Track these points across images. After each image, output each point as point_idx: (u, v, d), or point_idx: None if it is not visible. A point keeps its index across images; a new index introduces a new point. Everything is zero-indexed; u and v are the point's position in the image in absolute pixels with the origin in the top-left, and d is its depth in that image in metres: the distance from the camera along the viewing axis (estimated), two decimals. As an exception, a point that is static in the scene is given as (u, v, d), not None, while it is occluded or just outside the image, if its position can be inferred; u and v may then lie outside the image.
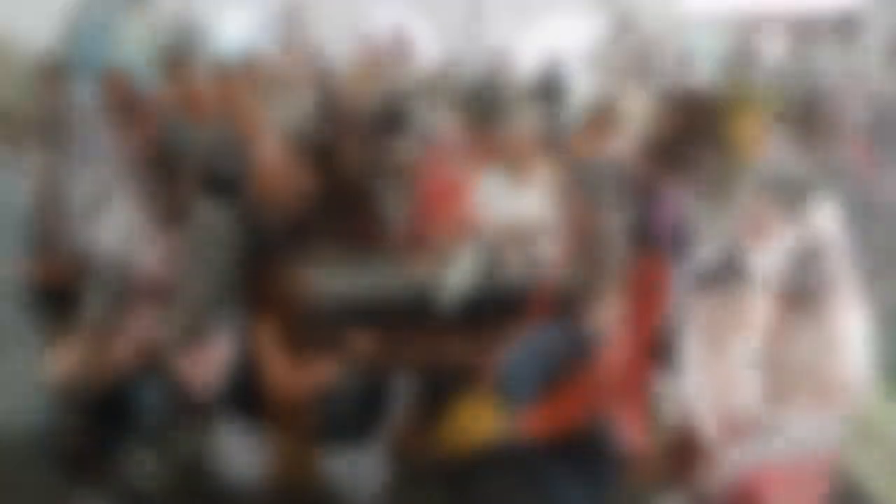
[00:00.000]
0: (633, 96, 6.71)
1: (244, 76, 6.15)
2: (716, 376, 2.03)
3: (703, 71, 8.49)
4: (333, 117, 6.22)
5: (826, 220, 1.87)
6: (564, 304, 2.09)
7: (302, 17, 9.06)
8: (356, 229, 2.25)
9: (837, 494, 2.00)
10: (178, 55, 5.51)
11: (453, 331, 3.46)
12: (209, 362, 2.33)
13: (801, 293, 1.88)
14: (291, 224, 2.31)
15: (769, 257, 1.90)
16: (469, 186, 3.66)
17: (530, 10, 9.49)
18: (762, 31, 9.43)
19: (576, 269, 2.12)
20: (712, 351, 2.02)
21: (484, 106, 5.90)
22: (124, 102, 5.12)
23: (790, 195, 1.88)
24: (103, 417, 2.21)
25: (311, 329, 2.27)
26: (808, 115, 6.13)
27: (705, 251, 3.58)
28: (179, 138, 3.94)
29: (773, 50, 8.68)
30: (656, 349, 2.23)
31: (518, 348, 2.07)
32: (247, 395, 2.17)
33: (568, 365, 2.03)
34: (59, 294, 4.03)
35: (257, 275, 2.34)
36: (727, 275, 2.03)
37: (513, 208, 3.47)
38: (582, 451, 2.02)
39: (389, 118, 6.46)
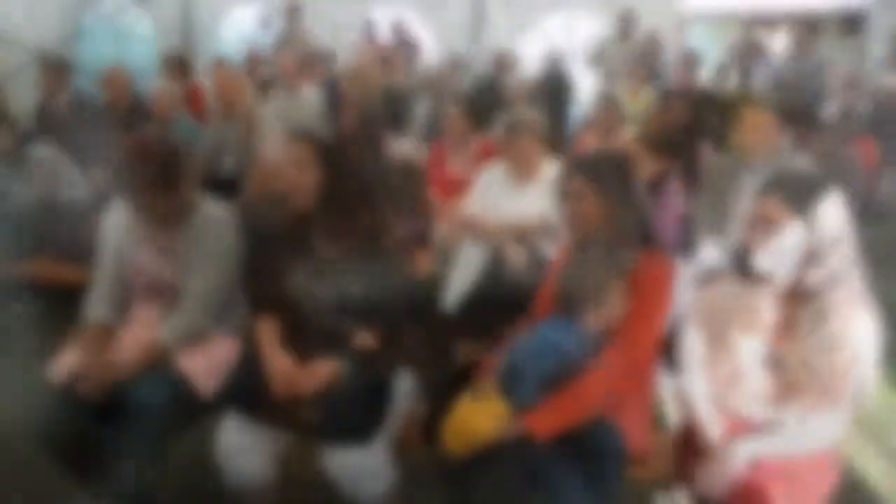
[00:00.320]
0: (637, 94, 6.72)
1: (247, 74, 6.15)
2: (720, 375, 2.02)
3: (706, 69, 8.50)
4: (336, 115, 6.22)
5: (832, 218, 1.86)
6: (568, 303, 2.07)
7: (304, 16, 9.08)
8: (358, 228, 2.24)
9: (841, 492, 1.98)
10: (182, 54, 5.51)
11: (456, 330, 3.46)
12: (212, 361, 2.33)
13: (807, 292, 1.87)
14: (293, 222, 2.30)
15: (774, 255, 1.88)
16: (472, 184, 3.65)
17: (534, 10, 9.48)
18: (765, 30, 9.43)
19: (580, 267, 2.11)
20: (716, 349, 2.01)
21: (487, 104, 5.89)
22: (125, 100, 5.15)
23: (796, 193, 1.87)
24: (104, 417, 2.20)
25: (313, 328, 2.27)
26: (811, 114, 6.13)
27: (710, 249, 3.58)
28: (182, 137, 3.93)
29: (776, 48, 8.67)
30: (659, 348, 2.21)
31: (521, 347, 2.06)
32: (250, 395, 2.16)
33: (571, 364, 2.02)
34: (60, 294, 4.03)
35: (259, 273, 2.34)
36: (732, 273, 2.02)
37: (516, 207, 3.47)
38: (584, 451, 2.01)
39: (393, 116, 6.46)
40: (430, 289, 3.80)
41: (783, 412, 1.95)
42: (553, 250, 2.75)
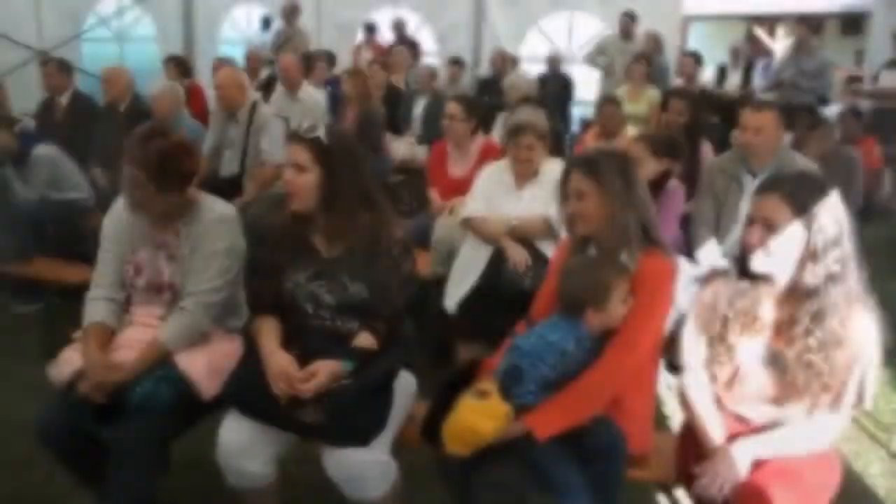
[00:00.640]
0: (638, 94, 6.71)
1: (247, 74, 6.15)
2: (720, 376, 2.02)
3: (707, 69, 8.49)
4: (337, 115, 6.22)
5: (831, 218, 1.85)
6: (569, 303, 2.07)
7: (304, 16, 9.08)
8: (358, 228, 2.23)
9: (842, 492, 1.98)
10: (182, 54, 5.50)
11: (456, 330, 3.46)
12: (213, 361, 2.32)
13: (806, 291, 1.87)
14: (293, 222, 2.30)
15: (774, 255, 1.88)
16: (473, 185, 3.65)
17: (534, 10, 9.48)
18: (766, 30, 9.41)
19: (581, 267, 2.10)
20: (717, 350, 2.01)
21: (488, 105, 5.89)
22: (125, 100, 5.15)
23: (795, 193, 1.86)
24: (105, 417, 2.20)
25: (313, 328, 2.26)
26: (812, 114, 6.11)
27: (710, 249, 3.58)
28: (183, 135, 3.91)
29: (778, 48, 8.66)
30: (660, 348, 2.21)
31: (521, 347, 2.06)
32: (251, 395, 2.16)
33: (571, 364, 2.02)
34: (61, 294, 4.04)
35: (259, 273, 2.33)
36: (732, 273, 2.02)
37: (517, 207, 3.46)
38: (586, 451, 2.01)
39: (393, 116, 6.46)
40: (430, 289, 3.80)
41: (784, 412, 1.95)
42: (553, 250, 2.74)
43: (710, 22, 10.86)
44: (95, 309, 2.39)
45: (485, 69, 9.40)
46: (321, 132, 2.18)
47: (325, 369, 2.07)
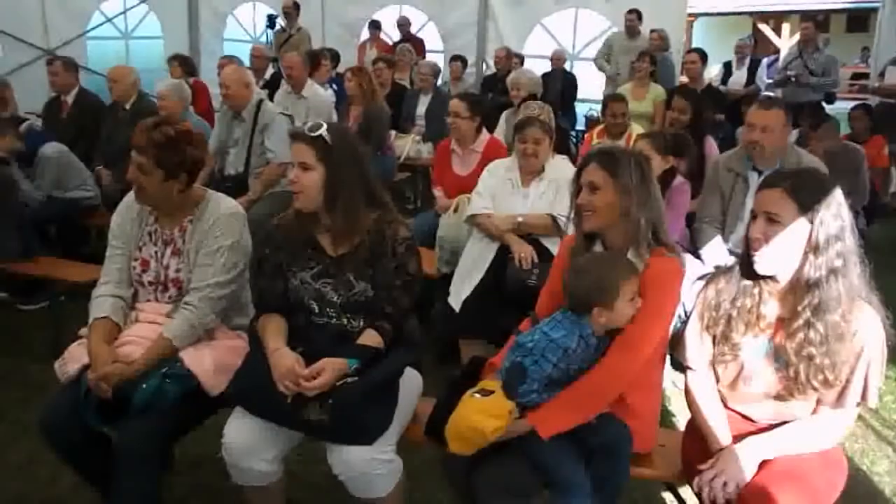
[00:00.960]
0: (643, 92, 6.70)
1: (252, 72, 6.14)
2: (725, 374, 2.02)
3: (713, 67, 8.47)
4: (341, 113, 6.22)
5: (834, 214, 1.85)
6: (575, 301, 2.07)
7: (309, 14, 9.07)
8: (362, 226, 2.23)
9: (849, 490, 1.98)
10: (187, 52, 5.50)
11: (460, 328, 3.46)
12: (218, 359, 2.33)
13: (808, 286, 1.86)
14: (298, 221, 2.30)
15: (778, 252, 1.87)
16: (477, 182, 3.65)
17: (540, 9, 9.46)
18: (772, 27, 9.38)
19: (589, 265, 2.10)
20: (722, 348, 2.00)
21: (492, 103, 5.88)
22: (131, 98, 5.16)
23: (799, 189, 1.86)
24: (111, 414, 2.20)
25: (318, 327, 2.27)
26: (817, 111, 6.10)
27: (715, 247, 3.57)
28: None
29: (783, 45, 8.63)
30: (665, 346, 2.21)
31: (525, 345, 2.05)
32: (256, 393, 2.16)
33: (576, 362, 2.01)
34: (67, 291, 4.04)
35: (264, 272, 2.33)
36: (738, 269, 2.01)
37: (522, 204, 3.46)
38: (590, 450, 2.01)
39: (397, 114, 6.44)
40: (435, 287, 3.81)
41: (789, 409, 1.94)
42: (558, 247, 2.73)
43: (715, 19, 10.83)
44: (101, 305, 2.39)
45: (489, 67, 9.39)
46: (324, 130, 2.18)
47: (331, 367, 2.07)
